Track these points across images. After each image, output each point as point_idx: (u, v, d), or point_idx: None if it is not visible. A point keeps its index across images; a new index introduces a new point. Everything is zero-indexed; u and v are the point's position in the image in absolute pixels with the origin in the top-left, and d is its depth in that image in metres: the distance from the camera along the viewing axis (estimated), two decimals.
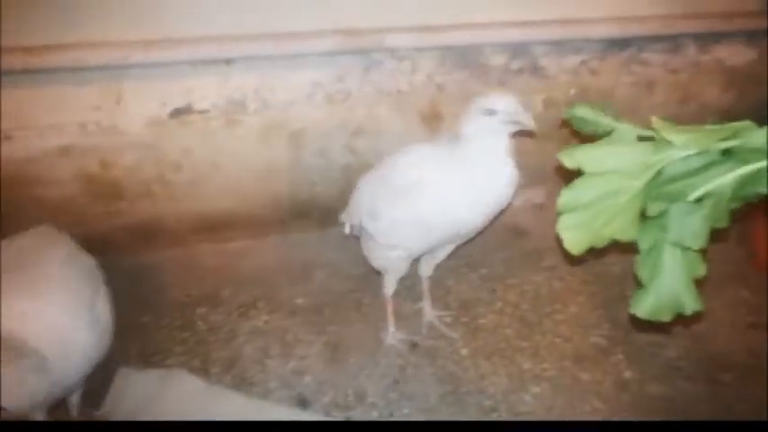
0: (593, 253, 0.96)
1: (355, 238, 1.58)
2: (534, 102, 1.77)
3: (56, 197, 1.62)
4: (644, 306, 0.95)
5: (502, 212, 1.36)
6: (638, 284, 0.95)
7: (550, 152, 1.90)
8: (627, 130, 1.01)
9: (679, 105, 1.86)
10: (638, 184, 0.93)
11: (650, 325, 1.54)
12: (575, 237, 0.95)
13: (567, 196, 0.95)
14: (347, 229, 1.59)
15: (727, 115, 1.89)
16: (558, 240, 1.70)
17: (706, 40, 1.78)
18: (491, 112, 1.24)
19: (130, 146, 1.59)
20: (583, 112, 1.10)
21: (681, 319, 1.58)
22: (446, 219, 1.33)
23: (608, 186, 0.94)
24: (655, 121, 0.94)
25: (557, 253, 1.79)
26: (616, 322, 1.61)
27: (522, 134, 1.83)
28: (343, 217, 1.60)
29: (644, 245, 0.97)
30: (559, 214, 0.95)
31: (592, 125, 1.06)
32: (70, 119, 1.53)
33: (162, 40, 1.45)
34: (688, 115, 1.86)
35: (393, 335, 1.55)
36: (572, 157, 0.95)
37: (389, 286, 1.53)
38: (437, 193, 1.30)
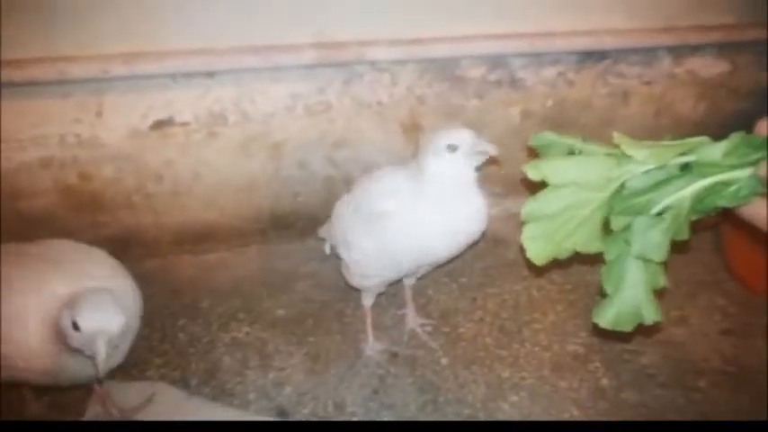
0: (559, 263, 0.98)
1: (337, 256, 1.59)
2: (512, 113, 1.80)
3: (36, 209, 1.62)
4: (606, 316, 0.97)
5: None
6: (603, 295, 0.98)
7: (526, 163, 1.95)
8: (593, 148, 1.04)
9: (654, 116, 1.89)
10: (601, 196, 0.95)
11: (626, 332, 1.60)
12: (538, 247, 0.96)
13: (531, 206, 0.97)
14: (327, 249, 1.61)
15: (701, 126, 1.94)
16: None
17: (680, 52, 1.82)
18: (452, 148, 1.25)
19: (111, 158, 1.60)
20: (547, 137, 1.12)
21: (653, 327, 1.62)
22: (416, 250, 1.34)
23: (571, 198, 0.96)
24: (616, 135, 0.97)
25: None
26: (594, 330, 1.63)
27: (500, 145, 1.86)
28: (323, 233, 1.62)
29: (609, 256, 0.99)
30: (524, 224, 0.98)
31: (559, 148, 1.08)
32: (51, 131, 1.53)
33: (143, 53, 1.46)
34: (663, 126, 1.90)
35: (372, 346, 1.56)
36: (537, 169, 0.97)
37: (368, 300, 1.54)
38: (406, 224, 1.31)
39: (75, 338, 1.08)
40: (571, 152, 1.05)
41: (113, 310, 1.09)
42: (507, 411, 1.44)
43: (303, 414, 1.41)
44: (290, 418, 1.40)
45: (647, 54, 1.79)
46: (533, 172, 1.01)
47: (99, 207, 1.66)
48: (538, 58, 1.74)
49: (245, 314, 1.64)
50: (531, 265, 1.01)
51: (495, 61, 1.71)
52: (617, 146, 1.03)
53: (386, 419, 1.41)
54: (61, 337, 1.11)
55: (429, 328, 1.62)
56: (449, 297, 1.71)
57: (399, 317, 1.64)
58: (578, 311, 1.69)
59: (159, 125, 1.58)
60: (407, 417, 1.42)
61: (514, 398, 1.47)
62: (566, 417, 1.43)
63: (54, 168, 1.58)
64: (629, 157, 0.94)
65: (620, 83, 1.82)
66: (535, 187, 1.01)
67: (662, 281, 0.95)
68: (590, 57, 1.76)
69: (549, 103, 1.81)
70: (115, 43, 1.45)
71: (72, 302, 1.10)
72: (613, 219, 0.98)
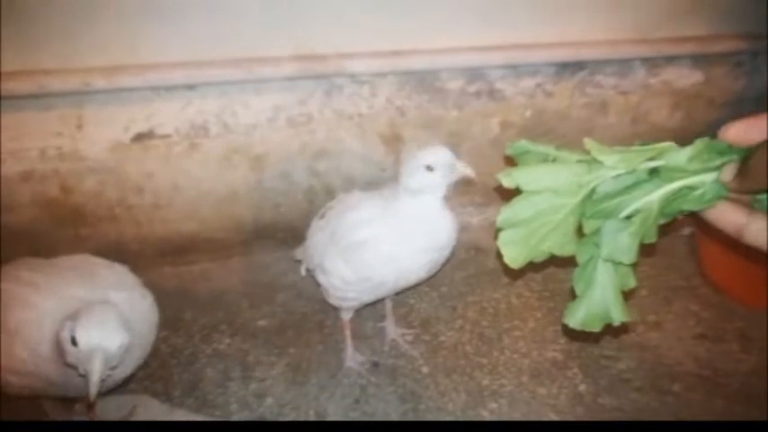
0: (535, 267, 1.01)
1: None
2: (491, 124, 1.83)
3: (18, 223, 1.62)
4: (576, 317, 1.00)
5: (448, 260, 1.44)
6: (573, 296, 1.01)
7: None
8: (567, 155, 1.07)
9: (631, 126, 1.93)
10: (573, 201, 0.98)
11: (604, 337, 1.63)
12: (514, 252, 1.00)
13: (506, 213, 1.00)
14: (303, 271, 1.62)
15: (678, 134, 1.98)
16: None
17: (655, 62, 1.86)
18: (430, 168, 1.28)
19: (92, 170, 1.60)
20: (523, 146, 1.15)
21: (627, 331, 1.64)
22: (395, 274, 1.38)
23: (545, 204, 0.99)
24: (586, 141, 1.00)
25: (515, 270, 1.84)
26: (572, 336, 1.66)
27: (480, 155, 1.90)
28: (299, 255, 1.63)
29: (581, 259, 1.02)
30: (499, 230, 1.01)
31: (534, 156, 1.11)
32: (31, 144, 1.53)
33: (124, 66, 1.47)
34: (640, 134, 1.93)
35: (352, 357, 1.57)
36: (510, 177, 1.01)
37: (346, 314, 1.56)
38: (384, 252, 1.35)
39: (71, 353, 1.06)
40: (545, 160, 1.09)
41: (115, 327, 1.06)
42: (487, 419, 1.46)
43: None
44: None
45: (623, 65, 1.83)
46: (507, 180, 1.04)
47: (81, 220, 1.66)
48: (516, 70, 1.77)
49: (226, 325, 1.65)
50: (508, 271, 1.03)
51: (474, 73, 1.74)
52: (589, 152, 1.07)
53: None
54: (59, 350, 1.10)
55: (410, 338, 1.64)
56: (429, 306, 1.73)
57: (380, 327, 1.66)
58: (557, 318, 1.72)
59: (140, 138, 1.58)
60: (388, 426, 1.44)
61: (494, 405, 1.49)
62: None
63: (34, 182, 1.58)
64: (599, 162, 0.98)
65: (598, 93, 1.86)
66: (510, 196, 1.04)
67: (631, 282, 0.98)
68: (567, 68, 1.79)
69: (528, 113, 1.84)
70: (96, 56, 1.46)
71: (74, 315, 1.07)
72: (585, 222, 1.01)
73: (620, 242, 0.95)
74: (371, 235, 1.35)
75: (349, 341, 1.58)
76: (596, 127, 1.91)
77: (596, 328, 0.99)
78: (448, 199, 1.34)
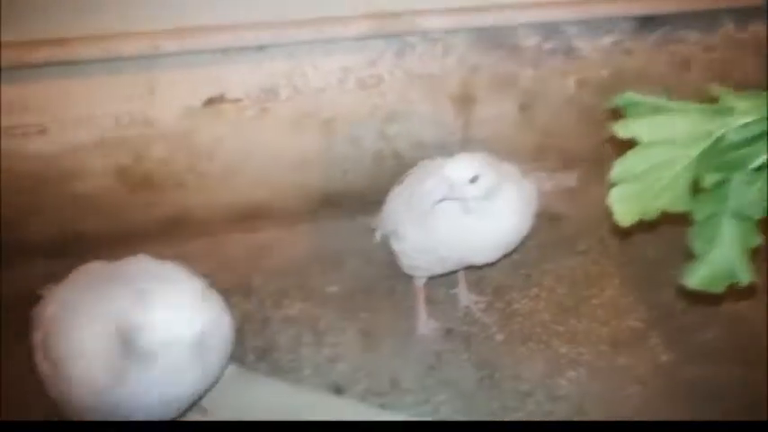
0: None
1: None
2: (567, 83, 1.75)
3: (89, 190, 1.64)
4: (698, 277, 0.94)
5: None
6: (690, 256, 0.95)
7: (582, 135, 1.90)
8: (683, 105, 0.99)
9: (717, 84, 1.81)
10: (693, 153, 0.91)
11: (689, 307, 1.55)
12: (626, 208, 0.94)
13: (619, 167, 0.94)
14: (377, 237, 1.60)
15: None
16: (593, 223, 1.69)
17: (744, 15, 1.73)
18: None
19: (163, 137, 1.60)
20: (632, 97, 1.08)
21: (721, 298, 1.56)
22: (458, 249, 1.36)
23: (662, 156, 0.92)
24: (711, 87, 0.93)
25: (591, 237, 1.77)
26: (652, 305, 1.59)
27: (555, 116, 1.83)
28: (375, 223, 1.61)
29: (699, 216, 0.95)
30: (611, 186, 0.95)
31: (644, 107, 1.04)
32: (104, 110, 1.53)
33: (194, 27, 1.45)
34: None
35: (425, 323, 1.55)
36: (626, 128, 0.94)
37: (419, 280, 1.54)
38: (456, 227, 1.32)
39: (142, 342, 0.99)
40: (657, 111, 1.02)
41: (191, 312, 0.99)
42: (565, 387, 1.42)
43: (358, 390, 1.42)
44: (345, 395, 1.41)
45: (709, 18, 1.71)
46: (623, 130, 0.98)
47: (151, 187, 1.66)
48: (594, 26, 1.67)
49: (297, 291, 1.64)
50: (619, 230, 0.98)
51: (551, 29, 1.65)
52: (707, 102, 0.99)
53: (441, 396, 1.41)
54: (127, 347, 1.01)
55: (482, 305, 1.60)
56: (501, 274, 1.68)
57: (452, 294, 1.63)
58: (635, 286, 1.65)
59: (211, 102, 1.57)
60: (464, 393, 1.41)
61: (572, 373, 1.45)
62: (623, 393, 1.41)
63: (106, 149, 1.58)
64: (726, 109, 0.90)
65: (680, 49, 1.74)
66: (623, 151, 0.97)
67: (756, 239, 0.91)
68: (648, 23, 1.68)
69: (605, 72, 1.75)
70: (166, 19, 1.44)
71: (143, 300, 1.00)
72: (704, 176, 0.94)
73: (750, 196, 0.88)
74: (447, 205, 1.32)
75: (422, 308, 1.55)
76: (677, 85, 1.79)
77: (719, 289, 0.93)
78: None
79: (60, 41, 1.40)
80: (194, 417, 1.30)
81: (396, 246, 1.48)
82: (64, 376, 1.08)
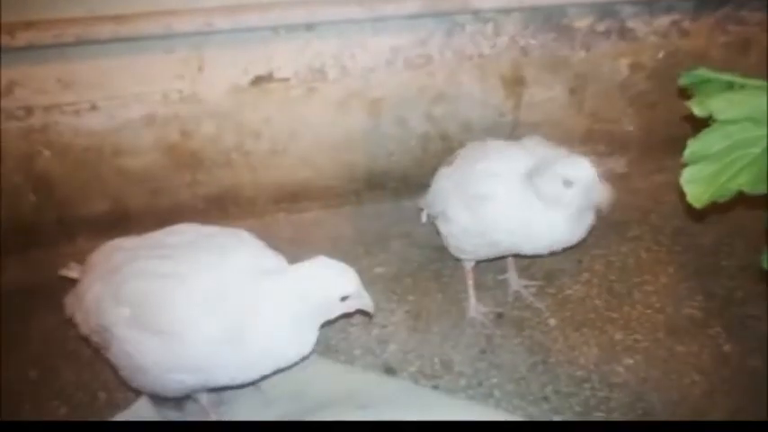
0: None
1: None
2: (620, 66, 1.70)
3: (137, 167, 1.64)
4: None
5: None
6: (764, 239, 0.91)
7: (632, 120, 1.85)
8: (759, 82, 0.94)
9: None
10: None
11: (749, 296, 1.50)
12: (698, 190, 0.90)
13: (693, 146, 0.90)
14: (424, 218, 1.58)
15: None
16: (644, 208, 1.62)
17: None
18: (568, 184, 1.21)
19: (211, 115, 1.59)
20: (701, 74, 1.04)
21: None
22: (512, 238, 1.33)
23: (741, 135, 0.88)
24: None
25: (642, 223, 1.73)
26: (710, 294, 1.54)
27: (606, 100, 1.78)
28: (422, 203, 1.58)
29: None
30: (684, 166, 0.91)
31: (716, 85, 0.99)
32: (154, 88, 1.53)
33: (245, 4, 1.44)
34: None
35: (475, 308, 1.51)
36: (703, 105, 0.90)
37: (468, 263, 1.51)
38: (508, 214, 1.29)
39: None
40: (730, 88, 0.97)
41: None
42: (623, 374, 1.37)
43: (410, 372, 1.39)
44: (397, 375, 1.38)
45: None
46: (699, 108, 0.93)
47: (198, 165, 1.66)
48: (650, 6, 1.62)
49: None
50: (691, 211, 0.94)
51: (605, 10, 1.61)
52: None
53: (494, 380, 1.37)
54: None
55: (533, 290, 1.56)
56: (552, 259, 1.62)
57: (501, 280, 1.59)
58: (690, 274, 1.60)
59: (259, 81, 1.56)
60: (517, 377, 1.37)
61: (629, 361, 1.40)
62: (686, 382, 1.36)
63: (156, 126, 1.58)
64: None
65: (741, 30, 1.68)
66: (698, 129, 0.93)
67: None
68: (708, 2, 1.63)
69: (661, 54, 1.70)
70: None
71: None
72: None
73: None
74: (499, 190, 1.30)
75: (471, 291, 1.52)
76: (736, 69, 1.70)
77: None
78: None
79: (112, 18, 1.40)
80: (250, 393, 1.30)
81: (443, 227, 1.45)
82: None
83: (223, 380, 1.13)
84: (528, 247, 1.36)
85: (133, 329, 1.07)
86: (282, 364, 1.13)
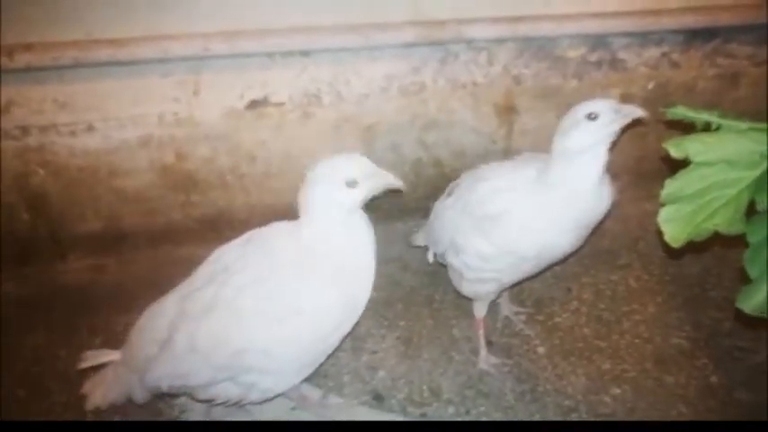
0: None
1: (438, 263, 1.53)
2: (611, 95, 1.71)
3: (132, 187, 1.65)
4: (754, 301, 0.91)
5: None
6: (742, 277, 0.92)
7: (623, 148, 1.86)
8: (735, 123, 0.96)
9: (764, 100, 1.77)
10: (751, 175, 0.88)
11: (735, 328, 1.51)
12: (676, 229, 0.92)
13: (670, 187, 0.92)
14: (430, 258, 1.53)
15: None
16: (634, 237, 1.60)
17: None
18: (593, 116, 1.16)
19: (206, 137, 1.61)
20: (680, 111, 1.05)
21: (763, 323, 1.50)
22: (539, 248, 1.26)
23: (716, 177, 0.90)
24: None
25: (632, 252, 1.74)
26: (698, 324, 1.55)
27: None
28: (419, 240, 1.58)
29: (754, 239, 0.92)
30: (662, 205, 0.92)
31: (695, 122, 1.01)
32: (150, 110, 1.55)
33: (243, 30, 1.46)
34: None
35: (486, 359, 1.46)
36: (679, 147, 0.92)
37: (480, 310, 1.45)
38: (527, 222, 1.23)
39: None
40: (707, 128, 0.99)
41: None
42: (610, 404, 1.38)
43: (398, 399, 1.39)
44: (385, 403, 1.39)
45: (761, 32, 1.68)
46: (675, 149, 0.95)
47: (193, 186, 1.67)
48: (642, 38, 1.65)
49: None
50: (669, 249, 0.95)
51: (597, 41, 1.64)
52: (754, 118, 0.95)
53: (482, 408, 1.38)
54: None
55: (523, 317, 1.57)
56: (542, 286, 1.65)
57: (492, 305, 1.60)
58: (680, 304, 1.61)
59: (255, 105, 1.58)
60: (505, 405, 1.38)
61: (617, 391, 1.41)
62: (673, 414, 1.36)
63: (152, 147, 1.60)
64: None
65: (729, 63, 1.72)
66: (675, 167, 0.95)
67: None
68: (698, 35, 1.66)
69: (651, 85, 1.73)
70: (214, 22, 1.45)
71: None
72: (761, 198, 0.91)
73: None
74: (512, 204, 1.25)
75: (483, 341, 1.46)
76: (724, 101, 1.76)
77: None
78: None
79: (111, 42, 1.42)
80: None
81: (456, 261, 1.37)
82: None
83: None
84: (548, 255, 1.30)
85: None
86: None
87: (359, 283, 1.21)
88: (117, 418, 1.34)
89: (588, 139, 1.17)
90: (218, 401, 1.20)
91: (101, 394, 1.22)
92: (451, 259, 1.39)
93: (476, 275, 1.35)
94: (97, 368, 1.25)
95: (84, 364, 1.24)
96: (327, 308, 1.14)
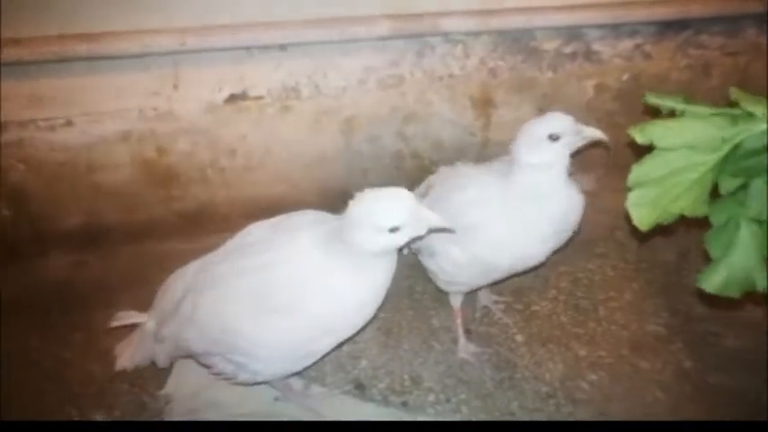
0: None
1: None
2: (586, 87, 1.75)
3: (112, 182, 1.65)
4: (714, 281, 0.94)
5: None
6: (707, 259, 0.94)
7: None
8: (699, 109, 0.99)
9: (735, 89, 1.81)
10: (713, 158, 0.91)
11: (709, 312, 1.54)
12: (643, 213, 0.94)
13: (637, 172, 0.94)
14: (405, 251, 1.51)
15: None
16: (611, 226, 1.63)
17: (767, 20, 1.73)
18: (554, 138, 1.19)
19: (186, 132, 1.61)
20: (651, 98, 1.08)
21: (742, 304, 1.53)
22: (514, 259, 1.29)
23: (680, 162, 0.92)
24: (733, 91, 0.92)
25: (609, 241, 1.77)
26: (674, 311, 1.58)
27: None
28: None
29: (717, 220, 0.95)
30: (629, 190, 0.95)
31: (664, 109, 1.04)
32: (129, 104, 1.55)
33: (218, 25, 1.46)
34: None
35: (465, 347, 1.48)
36: (643, 133, 0.94)
37: (456, 300, 1.48)
38: (499, 234, 1.25)
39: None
40: (673, 114, 1.01)
41: None
42: (587, 390, 1.41)
43: (380, 388, 1.41)
44: (367, 392, 1.40)
45: (732, 23, 1.71)
46: (640, 135, 0.97)
47: (173, 181, 1.68)
48: (615, 30, 1.68)
49: None
50: (638, 233, 0.97)
51: (571, 33, 1.66)
52: (724, 106, 0.98)
53: (462, 396, 1.40)
54: None
55: (502, 306, 1.59)
56: (521, 275, 1.67)
57: (471, 295, 1.62)
58: (656, 291, 1.64)
59: (234, 99, 1.58)
60: (485, 393, 1.40)
61: (593, 377, 1.44)
62: (648, 399, 1.39)
63: (132, 142, 1.60)
64: (746, 115, 0.90)
65: (701, 54, 1.75)
66: (642, 153, 0.97)
67: None
68: (671, 27, 1.69)
69: (625, 76, 1.75)
70: (192, 16, 1.45)
71: None
72: (723, 181, 0.94)
73: None
74: (485, 217, 1.26)
75: (461, 330, 1.48)
76: (697, 91, 1.79)
77: (736, 294, 0.93)
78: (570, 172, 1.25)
79: (89, 36, 1.42)
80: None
81: (430, 263, 1.40)
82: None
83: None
84: (521, 265, 1.33)
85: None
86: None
87: (362, 310, 1.21)
88: (99, 416, 1.35)
89: (551, 157, 1.20)
90: (214, 372, 1.24)
91: (128, 356, 1.28)
92: (425, 261, 1.41)
93: (447, 279, 1.38)
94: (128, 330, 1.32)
95: (115, 324, 1.31)
96: (323, 316, 1.13)
